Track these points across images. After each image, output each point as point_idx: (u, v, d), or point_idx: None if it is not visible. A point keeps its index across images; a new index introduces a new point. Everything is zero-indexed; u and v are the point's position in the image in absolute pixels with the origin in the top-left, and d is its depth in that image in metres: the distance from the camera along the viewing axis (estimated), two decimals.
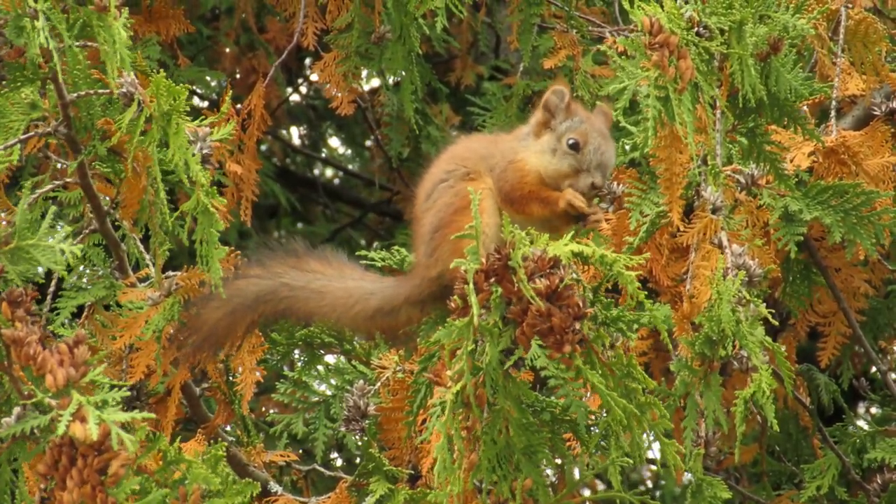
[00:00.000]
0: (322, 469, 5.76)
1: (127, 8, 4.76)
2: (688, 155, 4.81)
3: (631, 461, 4.51)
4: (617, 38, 4.88)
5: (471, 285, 4.27)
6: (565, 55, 6.69)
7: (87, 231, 5.18)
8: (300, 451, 6.56)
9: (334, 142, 10.16)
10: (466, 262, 4.30)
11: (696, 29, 4.81)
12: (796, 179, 5.25)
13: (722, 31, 4.83)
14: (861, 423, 6.20)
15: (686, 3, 4.86)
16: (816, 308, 5.96)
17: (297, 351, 5.68)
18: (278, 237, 9.46)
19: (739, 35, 4.84)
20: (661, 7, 4.75)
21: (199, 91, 8.29)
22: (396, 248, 5.59)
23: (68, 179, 5.00)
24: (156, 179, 4.76)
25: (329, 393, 5.58)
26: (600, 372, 4.40)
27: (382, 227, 9.91)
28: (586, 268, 4.69)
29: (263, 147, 9.41)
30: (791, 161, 5.41)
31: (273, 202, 9.28)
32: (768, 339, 4.58)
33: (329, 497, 5.31)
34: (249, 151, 6.60)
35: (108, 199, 5.13)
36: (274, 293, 4.99)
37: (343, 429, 5.36)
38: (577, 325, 4.29)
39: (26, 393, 4.19)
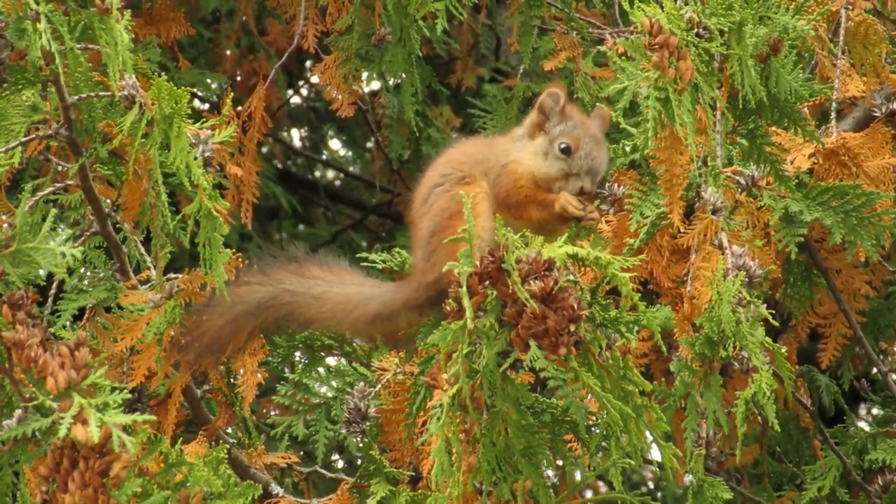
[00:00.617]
0: (323, 471, 5.76)
1: (129, 10, 4.76)
2: (688, 156, 4.81)
3: (632, 462, 4.52)
4: (617, 39, 4.88)
5: (464, 288, 4.27)
6: (565, 57, 6.69)
7: (88, 233, 5.18)
8: (301, 453, 6.57)
9: (335, 144, 10.17)
10: (460, 266, 4.30)
11: (695, 30, 4.81)
12: (797, 181, 5.26)
13: (722, 32, 4.83)
14: (862, 424, 6.20)
15: (686, 4, 4.87)
16: (817, 309, 5.96)
17: (297, 353, 5.68)
18: (279, 241, 9.47)
19: (739, 36, 4.84)
20: (661, 8, 4.76)
21: (199, 93, 8.29)
22: (397, 250, 5.60)
23: (69, 182, 5.00)
24: (157, 182, 4.76)
25: (330, 395, 5.58)
26: (597, 374, 4.41)
27: (383, 229, 9.91)
28: (585, 270, 4.70)
29: (264, 149, 9.41)
30: (791, 162, 5.41)
31: (274, 204, 9.29)
32: (768, 339, 4.58)
33: (330, 499, 5.31)
34: (250, 154, 6.60)
35: (109, 201, 5.13)
36: (275, 299, 5.00)
37: (344, 431, 5.36)
38: (572, 327, 4.29)
39: (28, 396, 4.20)
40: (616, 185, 5.49)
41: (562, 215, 4.73)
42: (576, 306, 4.31)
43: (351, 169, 10.12)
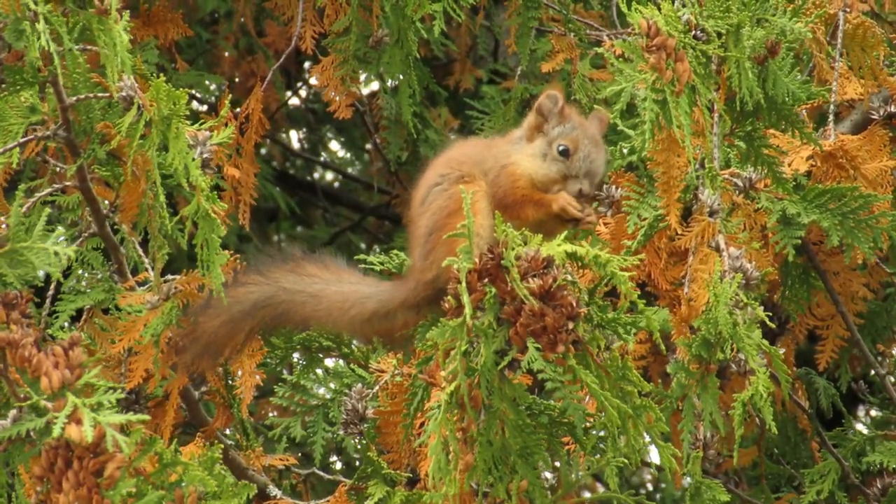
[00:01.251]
0: (321, 473, 5.76)
1: (128, 11, 4.76)
2: (685, 158, 4.82)
3: (627, 462, 4.52)
4: (615, 41, 4.88)
5: (463, 284, 4.27)
6: (563, 59, 6.69)
7: (85, 235, 5.18)
8: (299, 455, 6.57)
9: (334, 145, 10.17)
10: (459, 262, 4.30)
11: (693, 32, 4.81)
12: (794, 183, 5.26)
13: (719, 35, 4.84)
14: (860, 426, 6.20)
15: (683, 6, 4.87)
16: (815, 311, 5.96)
17: (295, 355, 5.68)
18: (278, 242, 9.47)
19: (737, 38, 4.85)
20: (659, 10, 4.76)
21: (197, 95, 8.29)
22: (395, 251, 5.59)
23: (67, 183, 5.00)
24: (155, 183, 4.76)
25: (328, 396, 5.58)
26: (595, 374, 4.41)
27: (382, 230, 9.91)
28: (583, 271, 4.70)
29: (263, 151, 9.42)
30: (789, 165, 5.41)
31: (272, 206, 9.28)
32: (765, 342, 4.59)
33: (328, 500, 5.31)
34: (248, 155, 6.60)
35: (107, 202, 5.13)
36: (272, 298, 4.99)
37: (342, 432, 5.36)
38: (571, 325, 4.29)
39: (22, 395, 4.20)
40: (614, 187, 5.49)
41: (560, 216, 4.73)
42: (574, 304, 4.31)
43: (349, 170, 10.12)
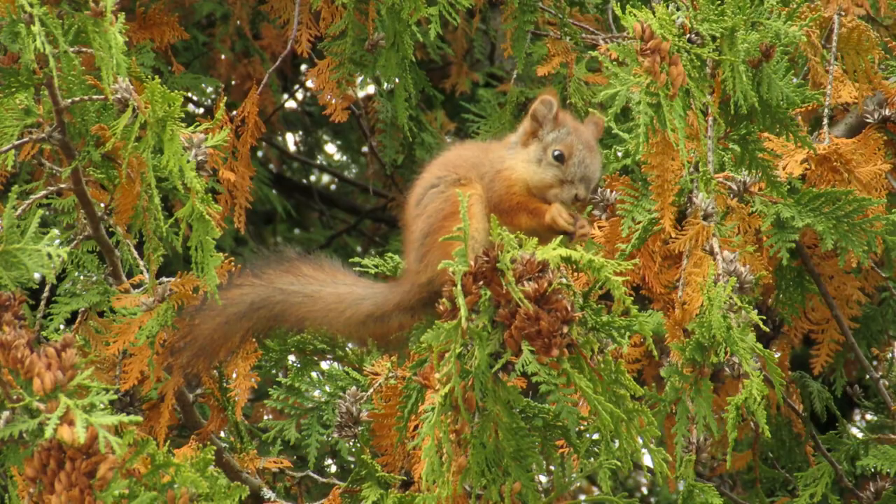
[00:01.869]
0: (315, 475, 5.76)
1: (123, 13, 4.76)
2: (680, 162, 4.82)
3: (620, 464, 4.52)
4: (610, 44, 4.88)
5: (458, 287, 4.27)
6: (559, 62, 6.70)
7: (80, 237, 5.18)
8: (294, 458, 6.56)
9: (330, 148, 10.17)
10: (455, 264, 4.31)
11: (687, 35, 4.82)
12: (788, 187, 5.26)
13: (714, 38, 4.84)
14: (854, 430, 6.20)
15: (678, 9, 4.87)
16: (809, 315, 5.96)
17: (290, 357, 5.68)
18: (273, 244, 9.47)
19: (731, 42, 4.85)
20: (653, 14, 4.76)
21: (194, 98, 8.29)
22: (390, 254, 5.60)
23: (62, 185, 5.00)
24: (150, 186, 4.77)
25: (322, 399, 5.58)
26: (588, 377, 4.41)
27: (378, 233, 9.91)
28: (578, 275, 4.70)
29: (259, 154, 9.42)
30: (783, 168, 5.41)
31: (269, 209, 9.29)
32: (759, 345, 4.59)
33: (322, 503, 5.31)
34: (243, 158, 6.60)
35: (102, 205, 5.13)
36: (267, 299, 5.00)
37: (336, 435, 5.36)
38: (566, 329, 4.29)
39: (15, 397, 4.20)
40: (608, 190, 5.50)
41: (551, 227, 4.74)
42: (569, 308, 4.31)
43: (345, 173, 10.12)
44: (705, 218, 4.89)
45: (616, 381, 4.46)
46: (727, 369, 4.70)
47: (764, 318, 4.67)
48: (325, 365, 5.67)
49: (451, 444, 4.38)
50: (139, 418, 4.23)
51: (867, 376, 6.10)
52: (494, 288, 4.32)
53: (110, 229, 5.17)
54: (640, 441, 4.50)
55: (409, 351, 5.11)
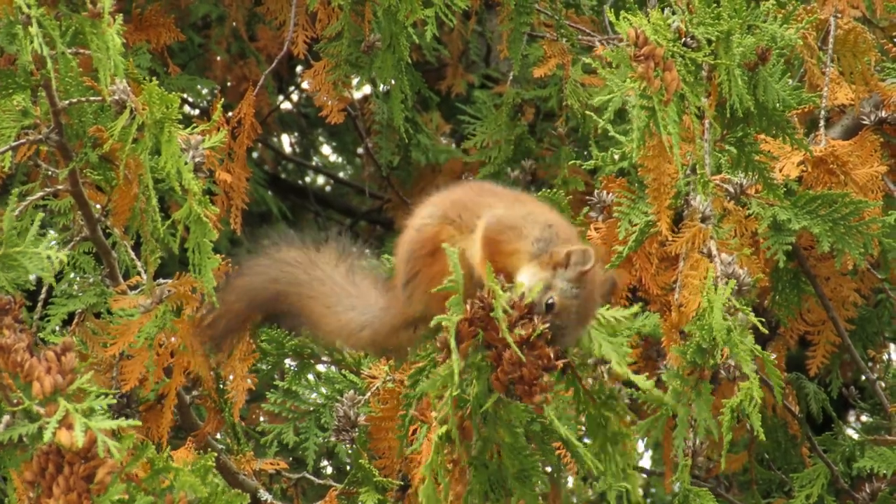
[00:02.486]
0: (312, 477, 5.76)
1: (121, 15, 4.76)
2: (676, 164, 4.82)
3: (628, 487, 4.51)
4: (605, 48, 4.89)
5: (452, 339, 4.25)
6: (555, 64, 6.70)
7: (77, 238, 5.17)
8: (290, 459, 6.56)
9: (326, 149, 10.16)
10: (448, 319, 4.28)
11: (683, 39, 4.82)
12: (785, 189, 5.27)
13: (709, 42, 4.85)
14: (850, 431, 6.21)
15: (673, 13, 4.88)
16: (805, 317, 5.97)
17: (287, 360, 5.68)
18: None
19: (727, 45, 4.86)
20: (647, 18, 4.77)
21: (189, 99, 8.29)
22: (386, 256, 5.59)
23: (59, 187, 5.00)
24: (147, 187, 4.76)
25: (320, 402, 5.58)
26: (582, 399, 4.42)
27: (373, 234, 9.90)
28: None
29: (255, 155, 9.41)
30: (780, 171, 5.42)
31: (264, 210, 9.28)
32: (758, 347, 4.59)
33: None
34: (239, 160, 6.59)
35: (99, 206, 5.13)
36: (292, 278, 4.95)
37: (333, 438, 5.36)
38: (546, 377, 4.26)
39: (15, 401, 4.20)
40: (605, 192, 5.50)
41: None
42: (552, 356, 4.29)
43: (341, 175, 10.11)
44: (703, 220, 4.89)
45: (606, 405, 4.45)
46: (723, 371, 4.71)
47: (761, 319, 4.67)
48: (322, 368, 5.67)
49: (448, 474, 4.38)
50: (138, 422, 4.23)
51: (863, 378, 6.11)
52: (489, 333, 4.30)
53: (107, 230, 5.17)
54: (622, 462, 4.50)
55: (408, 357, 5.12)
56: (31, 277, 4.66)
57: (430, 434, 4.48)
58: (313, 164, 10.05)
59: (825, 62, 5.70)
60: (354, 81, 6.99)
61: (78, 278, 5.43)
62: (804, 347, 6.13)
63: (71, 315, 5.37)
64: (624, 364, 4.35)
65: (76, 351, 4.24)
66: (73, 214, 5.29)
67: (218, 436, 5.61)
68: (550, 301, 4.42)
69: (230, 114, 6.54)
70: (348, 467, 6.81)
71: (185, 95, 7.85)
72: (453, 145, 8.57)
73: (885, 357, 6.52)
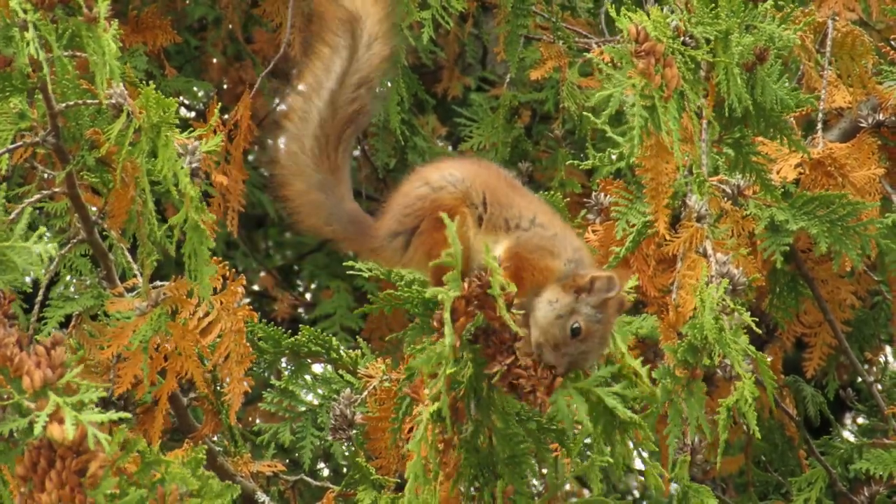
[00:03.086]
0: (309, 479, 5.76)
1: (116, 19, 4.76)
2: (674, 164, 4.82)
3: (612, 461, 4.51)
4: (604, 47, 4.89)
5: (447, 317, 4.25)
6: (552, 66, 6.71)
7: (74, 241, 5.17)
8: (287, 461, 6.56)
9: None
10: (444, 292, 4.27)
11: (682, 38, 4.83)
12: (782, 190, 5.27)
13: (708, 41, 4.85)
14: (847, 434, 6.21)
15: (672, 12, 4.88)
16: (802, 319, 5.98)
17: (283, 360, 5.68)
18: (265, 249, 9.47)
19: (725, 45, 4.86)
20: (648, 16, 4.77)
21: (186, 101, 8.28)
22: None
23: (56, 189, 4.99)
24: (144, 190, 4.76)
25: (316, 402, 5.58)
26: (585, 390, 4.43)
27: None
28: None
29: (251, 157, 9.41)
30: (777, 172, 5.42)
31: (260, 212, 9.28)
32: (751, 347, 4.59)
33: None
34: (236, 162, 6.59)
35: (95, 209, 5.12)
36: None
37: (330, 438, 5.36)
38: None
39: (5, 395, 4.19)
40: (602, 193, 5.50)
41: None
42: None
43: None
44: (699, 221, 4.89)
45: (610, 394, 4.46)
46: (719, 372, 4.71)
47: (757, 321, 4.67)
48: (318, 368, 5.67)
49: (439, 454, 4.38)
50: (128, 415, 4.22)
51: (860, 380, 6.11)
52: (487, 312, 4.30)
53: (104, 233, 5.16)
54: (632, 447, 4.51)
55: (402, 354, 5.11)
56: (27, 280, 4.65)
57: (417, 408, 4.50)
58: None
59: (823, 64, 5.70)
60: None
61: (74, 281, 5.43)
62: (801, 350, 6.14)
63: (68, 317, 5.37)
64: (625, 344, 4.37)
65: (66, 345, 4.23)
66: (69, 217, 5.29)
67: (215, 438, 5.61)
68: (576, 326, 4.43)
69: (227, 116, 6.54)
70: (345, 469, 6.81)
71: (181, 98, 7.85)
72: (450, 148, 8.57)
73: (882, 359, 6.52)
